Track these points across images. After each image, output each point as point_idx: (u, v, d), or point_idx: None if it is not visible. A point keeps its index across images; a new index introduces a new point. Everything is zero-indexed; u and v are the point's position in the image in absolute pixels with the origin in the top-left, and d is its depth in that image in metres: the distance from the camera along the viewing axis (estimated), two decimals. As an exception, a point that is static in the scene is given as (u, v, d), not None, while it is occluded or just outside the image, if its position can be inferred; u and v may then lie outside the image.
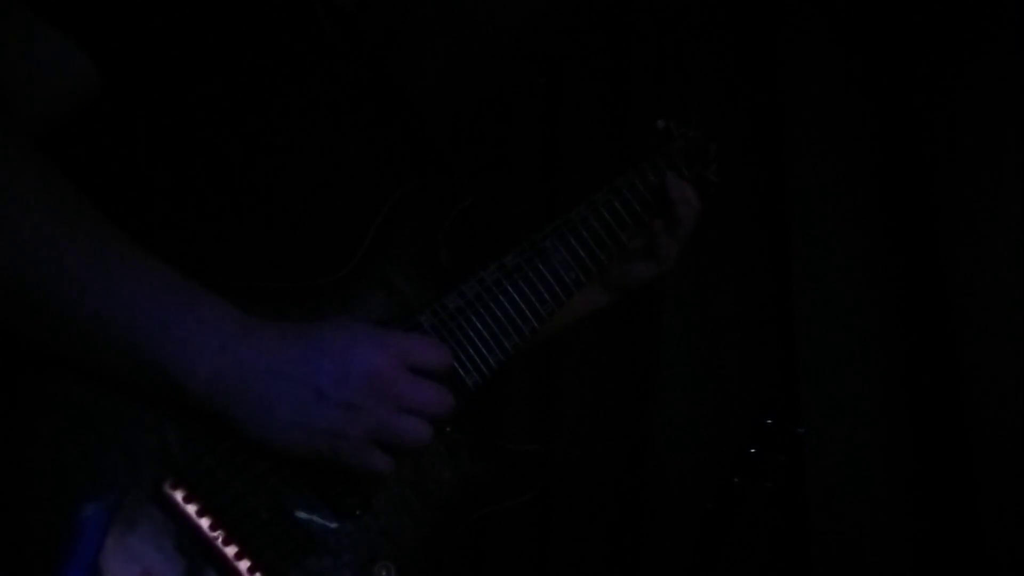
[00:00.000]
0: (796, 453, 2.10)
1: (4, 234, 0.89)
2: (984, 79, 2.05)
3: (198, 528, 0.94)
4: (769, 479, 2.06)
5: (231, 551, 0.95)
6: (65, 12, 0.98)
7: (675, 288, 2.38)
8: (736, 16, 2.40)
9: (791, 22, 2.29)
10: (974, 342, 2.00)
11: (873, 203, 2.20)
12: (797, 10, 2.28)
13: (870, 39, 2.22)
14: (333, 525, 1.03)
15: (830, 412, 2.15)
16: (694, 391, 2.36)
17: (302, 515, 1.02)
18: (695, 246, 2.36)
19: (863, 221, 2.20)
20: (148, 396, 0.95)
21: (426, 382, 1.04)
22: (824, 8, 2.26)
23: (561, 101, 2.51)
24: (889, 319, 2.16)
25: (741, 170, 2.35)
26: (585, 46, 2.49)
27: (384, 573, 1.05)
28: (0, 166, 0.92)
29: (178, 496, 0.93)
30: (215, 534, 0.94)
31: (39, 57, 0.98)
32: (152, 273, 0.96)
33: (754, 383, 2.30)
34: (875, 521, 2.10)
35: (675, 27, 2.41)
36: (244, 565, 0.95)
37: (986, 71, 2.05)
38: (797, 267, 2.23)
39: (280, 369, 0.96)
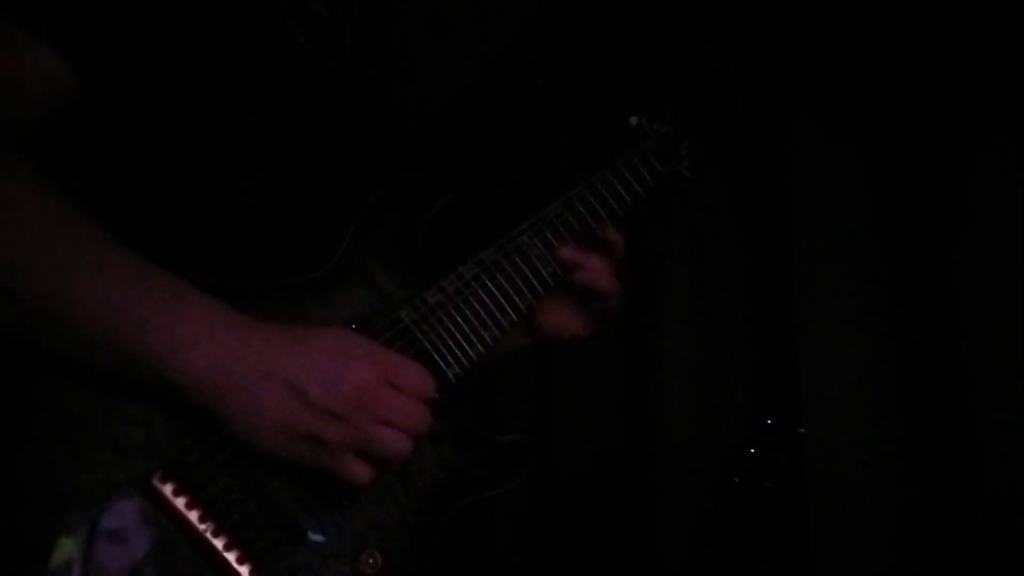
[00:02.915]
0: (796, 453, 2.10)
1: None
2: (985, 78, 2.04)
3: (188, 520, 0.95)
4: (769, 479, 2.07)
5: (220, 542, 0.96)
6: (44, 21, 1.00)
7: (675, 287, 2.39)
8: (736, 16, 2.40)
9: (791, 22, 2.29)
10: (974, 341, 1.99)
11: (874, 202, 2.19)
12: (797, 10, 2.28)
13: (870, 39, 2.21)
14: (320, 515, 1.05)
15: (830, 412, 2.15)
16: (694, 391, 2.36)
17: (289, 506, 1.03)
18: (695, 246, 2.40)
19: (863, 220, 2.20)
20: (139, 392, 0.96)
21: (409, 398, 1.04)
22: (824, 8, 2.26)
23: (561, 99, 2.52)
24: (889, 318, 2.15)
25: (741, 168, 2.36)
26: (584, 46, 2.50)
27: (371, 562, 1.07)
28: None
29: (167, 489, 0.94)
30: (204, 526, 0.96)
31: (21, 66, 1.00)
32: (143, 273, 0.97)
33: (754, 383, 2.30)
34: (875, 521, 2.09)
35: (675, 27, 2.41)
36: (233, 556, 0.97)
37: (987, 70, 2.04)
38: (797, 266, 2.22)
39: (268, 369, 0.97)
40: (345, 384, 0.99)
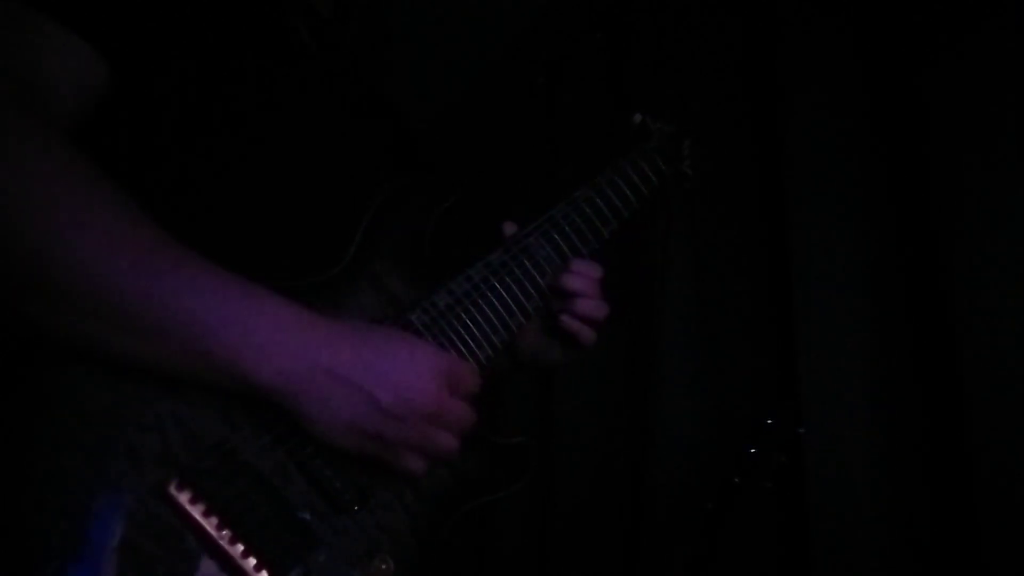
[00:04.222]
0: (796, 453, 2.11)
1: (76, 238, 0.91)
2: (985, 78, 2.05)
3: (204, 528, 0.94)
4: (769, 479, 2.06)
5: (237, 550, 0.96)
6: (73, 11, 1.00)
7: (675, 287, 2.39)
8: (736, 16, 2.40)
9: (791, 22, 2.29)
10: (975, 341, 1.99)
11: (873, 202, 2.20)
12: (798, 9, 2.28)
13: (871, 38, 2.22)
14: (332, 521, 1.06)
15: (830, 412, 2.15)
16: (694, 391, 2.36)
17: (303, 512, 1.03)
18: (695, 247, 2.40)
19: (863, 220, 2.20)
20: (213, 389, 0.98)
21: (461, 403, 1.10)
22: (824, 8, 2.26)
23: (560, 98, 2.51)
24: (889, 318, 2.15)
25: (741, 169, 2.36)
26: (585, 44, 2.50)
27: (383, 567, 1.08)
28: (62, 167, 0.93)
29: (184, 498, 0.94)
30: (221, 533, 0.95)
31: (57, 56, 1.00)
32: (216, 273, 0.99)
33: (754, 383, 2.30)
34: (875, 521, 2.10)
35: (675, 26, 2.41)
36: (250, 563, 0.96)
37: (988, 70, 2.05)
38: (797, 266, 2.22)
39: (341, 374, 1.01)
40: (413, 393, 1.04)
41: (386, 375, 1.03)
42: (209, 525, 0.94)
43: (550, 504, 2.42)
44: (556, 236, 1.33)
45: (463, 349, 1.21)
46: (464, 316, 1.21)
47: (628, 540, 2.35)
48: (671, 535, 2.28)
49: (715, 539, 2.08)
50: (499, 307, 1.25)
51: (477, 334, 1.22)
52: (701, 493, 2.15)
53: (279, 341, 0.98)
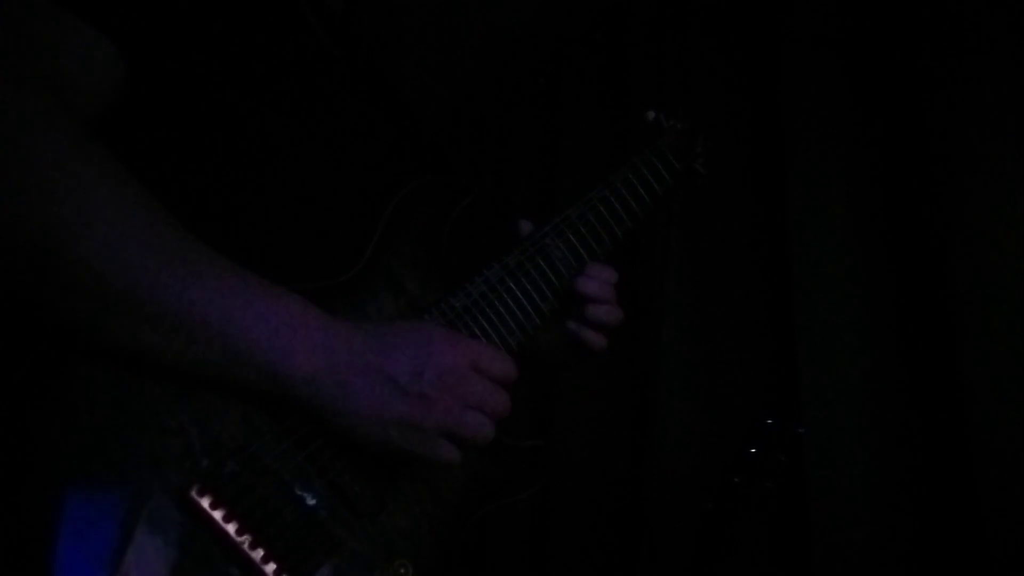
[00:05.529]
0: (796, 453, 2.11)
1: (113, 237, 0.90)
2: (985, 78, 2.05)
3: (225, 533, 0.94)
4: (769, 479, 2.07)
5: (258, 555, 0.95)
6: (92, 7, 0.99)
7: (675, 287, 2.39)
8: (736, 14, 2.41)
9: (791, 22, 2.29)
10: (974, 341, 2.00)
11: (874, 202, 2.20)
12: (799, 9, 2.28)
13: (870, 39, 2.22)
14: (352, 525, 1.05)
15: (830, 412, 2.15)
16: (694, 391, 2.36)
17: (323, 517, 1.03)
18: (695, 246, 2.41)
19: (863, 220, 2.21)
20: (235, 393, 0.98)
21: (491, 383, 1.09)
22: (825, 7, 2.26)
23: (561, 98, 2.51)
24: (889, 318, 2.16)
25: (741, 169, 2.36)
26: (585, 44, 2.50)
27: (403, 571, 1.07)
28: (93, 164, 0.93)
29: (205, 502, 0.93)
30: (242, 539, 0.94)
31: (79, 51, 0.99)
32: (243, 273, 0.99)
33: (754, 383, 2.30)
34: (875, 521, 2.10)
35: (675, 25, 2.41)
36: (271, 569, 0.96)
37: (987, 70, 2.05)
38: (797, 266, 2.23)
39: (359, 363, 1.01)
40: (432, 368, 1.04)
41: (404, 357, 1.03)
42: (230, 530, 0.94)
43: (550, 504, 2.42)
44: (571, 237, 1.32)
45: None
46: (481, 318, 1.21)
47: (628, 540, 2.35)
48: (671, 535, 2.28)
49: (715, 539, 2.09)
50: (515, 309, 1.25)
51: (494, 336, 1.21)
52: (701, 493, 2.15)
53: (304, 339, 0.98)
